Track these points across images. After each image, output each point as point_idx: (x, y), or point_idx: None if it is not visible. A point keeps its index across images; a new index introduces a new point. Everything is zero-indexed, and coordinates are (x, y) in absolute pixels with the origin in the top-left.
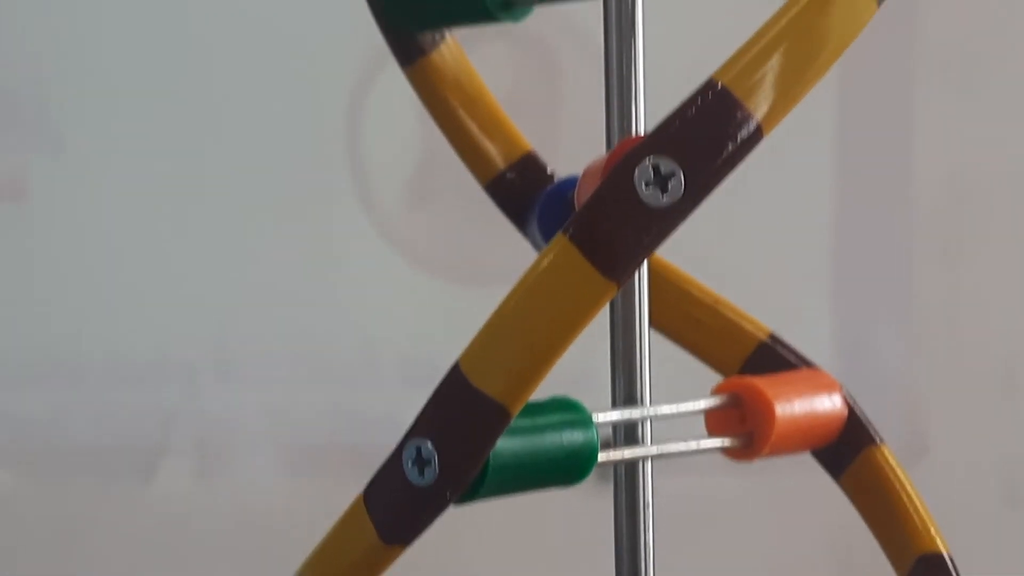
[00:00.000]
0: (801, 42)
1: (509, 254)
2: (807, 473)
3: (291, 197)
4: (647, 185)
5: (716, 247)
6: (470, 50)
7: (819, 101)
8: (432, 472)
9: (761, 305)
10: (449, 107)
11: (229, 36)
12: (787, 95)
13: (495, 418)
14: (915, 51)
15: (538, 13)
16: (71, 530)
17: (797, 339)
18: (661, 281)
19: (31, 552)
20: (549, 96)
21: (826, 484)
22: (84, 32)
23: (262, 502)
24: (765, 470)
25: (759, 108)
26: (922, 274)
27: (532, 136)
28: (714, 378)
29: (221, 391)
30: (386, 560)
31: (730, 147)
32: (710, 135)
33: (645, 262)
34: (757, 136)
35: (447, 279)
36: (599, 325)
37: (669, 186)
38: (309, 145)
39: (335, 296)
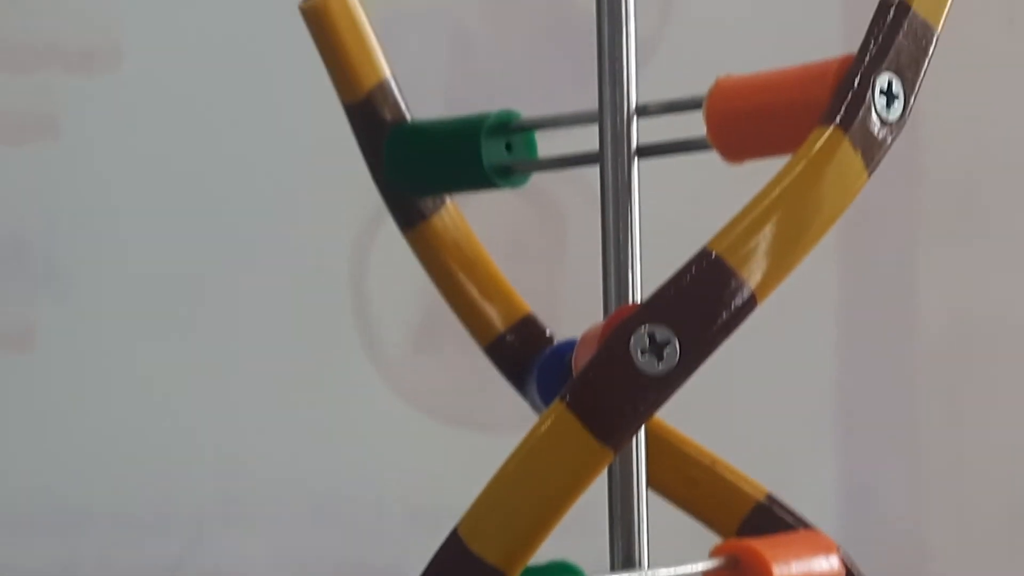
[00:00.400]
0: (793, 212)
1: (516, 400)
2: None
3: (296, 346)
4: (643, 353)
5: (719, 397)
6: (472, 197)
7: (821, 249)
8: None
9: (765, 453)
10: (449, 270)
11: (233, 189)
12: (780, 264)
13: None
14: (917, 198)
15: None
16: None
17: (801, 486)
18: (659, 442)
19: None
20: (552, 241)
21: None
22: (90, 181)
23: None
24: None
25: (753, 276)
26: (927, 420)
27: (534, 285)
28: (712, 539)
29: (228, 540)
30: None
31: (724, 315)
32: (705, 303)
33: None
34: (751, 304)
35: (453, 425)
36: (597, 485)
37: (664, 354)
38: (313, 293)
39: (341, 444)
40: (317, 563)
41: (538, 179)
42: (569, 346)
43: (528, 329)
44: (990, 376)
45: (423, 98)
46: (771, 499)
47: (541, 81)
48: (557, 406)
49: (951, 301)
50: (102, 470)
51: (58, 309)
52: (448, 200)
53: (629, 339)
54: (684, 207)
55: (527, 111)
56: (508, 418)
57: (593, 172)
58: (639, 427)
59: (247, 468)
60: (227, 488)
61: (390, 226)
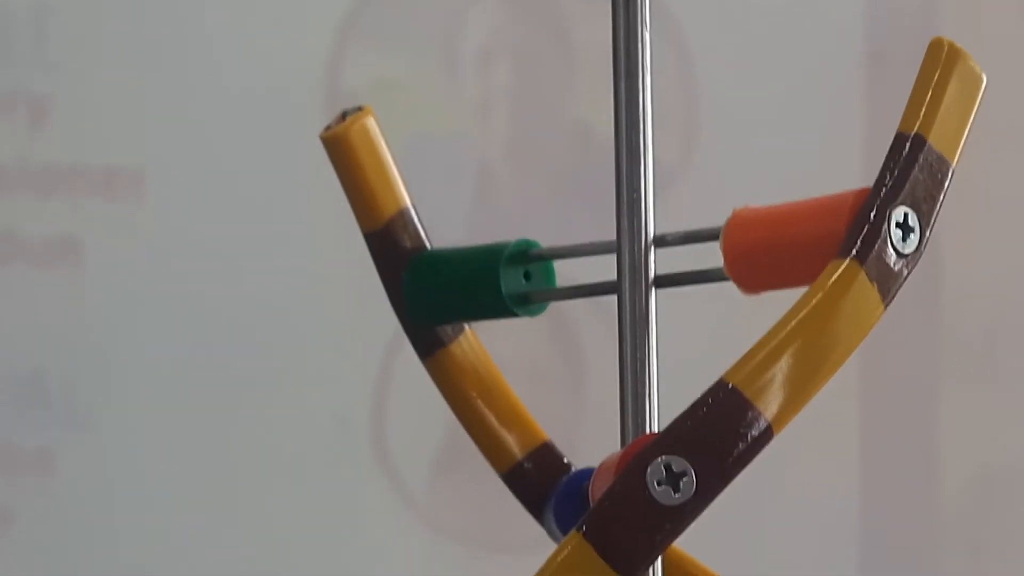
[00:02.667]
0: (809, 344)
1: (536, 523)
2: None
3: (314, 469)
4: (659, 484)
5: (739, 529)
6: (491, 323)
7: (841, 388)
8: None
9: None
10: (467, 397)
11: (255, 320)
12: (797, 395)
13: None
14: (938, 342)
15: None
16: None
17: None
18: (677, 572)
19: None
20: (571, 367)
21: None
22: (110, 311)
23: None
24: None
25: (769, 408)
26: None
27: (553, 411)
28: None
29: None
30: None
31: (741, 446)
32: (721, 435)
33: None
34: (768, 435)
35: (473, 548)
36: None
37: (681, 484)
38: (332, 415)
39: (360, 568)
40: None
41: (558, 304)
42: (586, 475)
43: (546, 457)
44: (1013, 525)
45: (443, 225)
46: None
47: (560, 210)
48: (574, 536)
49: (974, 450)
50: None
51: (78, 437)
52: (467, 327)
53: (646, 470)
54: (703, 338)
55: (546, 240)
56: (531, 541)
57: (612, 300)
58: (656, 557)
59: None
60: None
61: (408, 352)
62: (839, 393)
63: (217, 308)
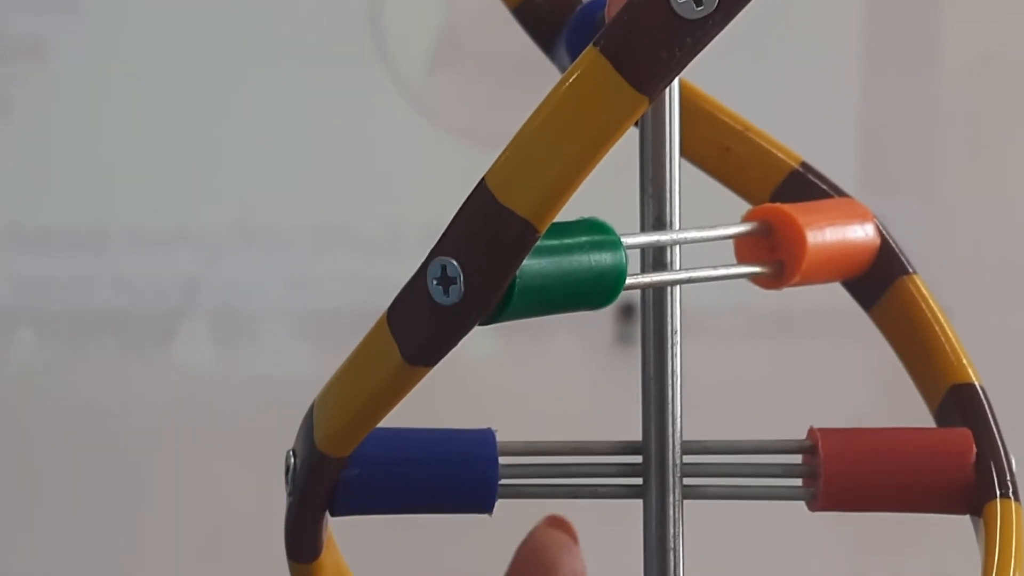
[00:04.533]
0: None
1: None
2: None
3: (313, 63)
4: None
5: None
6: None
7: None
8: (458, 291)
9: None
10: None
11: None
12: None
13: (523, 236)
14: None
15: None
16: (91, 392)
17: None
18: (691, 107)
19: (51, 411)
20: None
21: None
22: None
23: (282, 368)
24: (792, 331)
25: None
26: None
27: None
28: (744, 208)
29: (243, 260)
30: (410, 381)
31: None
32: None
33: (676, 83)
34: None
35: (470, 141)
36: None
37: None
38: (330, 8)
39: (358, 162)
40: (332, 282)
41: None
42: (600, 4)
43: None
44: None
45: None
46: (806, 166)
47: None
48: (589, 52)
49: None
50: (118, 187)
51: (71, 19)
52: None
53: None
54: None
55: None
56: None
57: None
58: (675, 74)
59: (264, 188)
60: (244, 208)
61: None
62: None
63: None
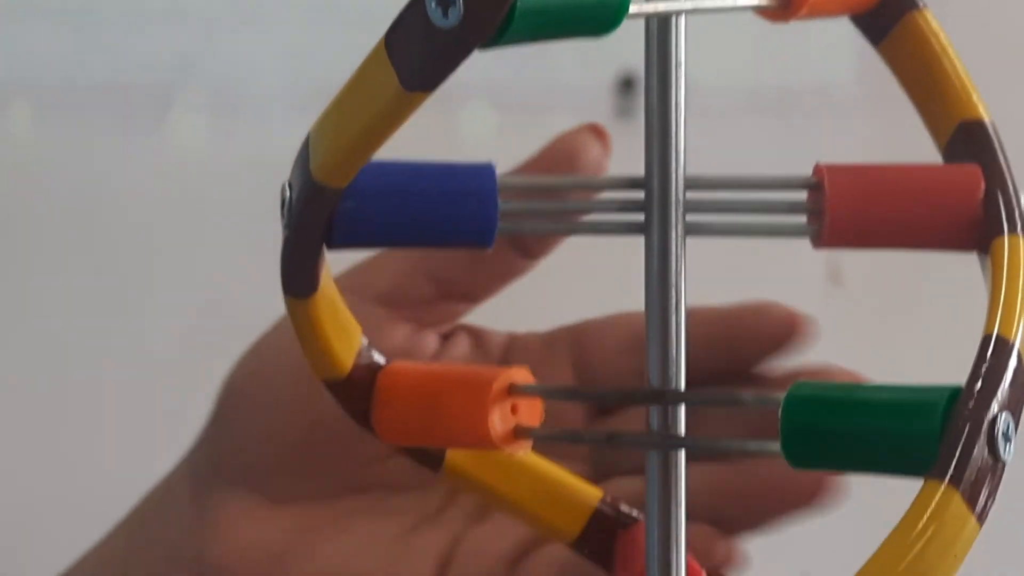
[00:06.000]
0: None
1: None
2: None
3: None
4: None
5: None
6: None
7: None
8: (457, 13)
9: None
10: None
11: None
12: None
13: None
14: None
15: None
16: (86, 165)
17: None
18: None
19: (47, 183)
20: None
21: None
22: None
23: (275, 142)
24: None
25: None
26: None
27: None
28: None
29: (237, 39)
30: (408, 108)
31: None
32: None
33: None
34: None
35: None
36: None
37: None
38: None
39: None
40: (326, 55)
41: None
42: None
43: None
44: None
45: None
46: None
47: None
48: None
49: None
50: None
51: None
52: None
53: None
54: None
55: None
56: None
57: None
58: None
59: None
60: None
61: None
62: None
63: None
